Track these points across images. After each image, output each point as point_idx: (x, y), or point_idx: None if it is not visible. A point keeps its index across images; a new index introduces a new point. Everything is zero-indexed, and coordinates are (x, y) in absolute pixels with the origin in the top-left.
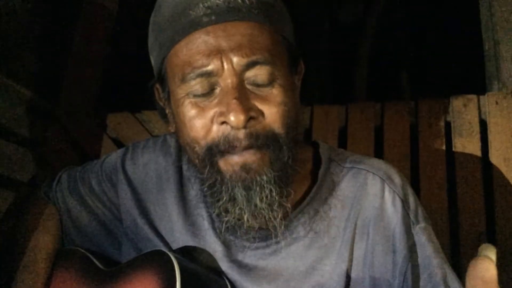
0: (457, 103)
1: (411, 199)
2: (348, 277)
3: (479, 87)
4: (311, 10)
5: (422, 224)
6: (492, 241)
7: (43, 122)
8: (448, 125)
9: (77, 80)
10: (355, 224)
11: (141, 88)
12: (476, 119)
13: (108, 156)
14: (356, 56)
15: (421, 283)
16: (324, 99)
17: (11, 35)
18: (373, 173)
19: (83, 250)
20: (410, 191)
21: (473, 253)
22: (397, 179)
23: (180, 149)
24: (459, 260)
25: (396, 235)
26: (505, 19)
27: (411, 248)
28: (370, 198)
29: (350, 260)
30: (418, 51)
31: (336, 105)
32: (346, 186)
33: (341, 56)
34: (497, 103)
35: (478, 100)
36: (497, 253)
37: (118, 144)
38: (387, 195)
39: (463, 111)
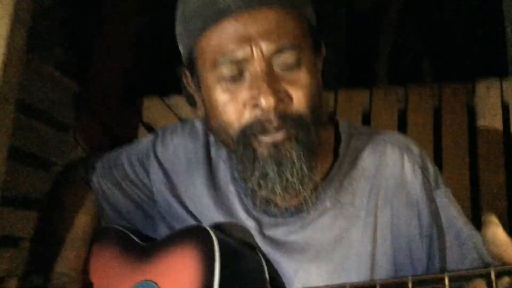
0: (480, 86)
1: (430, 166)
2: (374, 245)
3: (502, 70)
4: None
5: (443, 189)
6: None
7: (76, 107)
8: (471, 108)
9: (106, 66)
10: (378, 194)
11: (168, 71)
12: (499, 103)
13: (139, 142)
14: (377, 40)
15: (448, 243)
16: (348, 82)
17: (46, 26)
18: (392, 144)
19: (120, 228)
20: (428, 159)
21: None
22: (415, 148)
23: (207, 133)
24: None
25: (419, 201)
26: None
27: (435, 211)
28: (391, 167)
29: (375, 229)
30: (440, 35)
31: (360, 89)
32: (367, 157)
33: (362, 40)
34: None
35: (501, 84)
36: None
37: (147, 127)
38: (407, 163)
39: (486, 95)
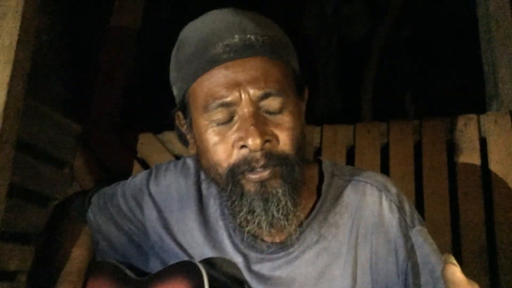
0: (458, 122)
1: (406, 205)
2: (354, 280)
3: (479, 106)
4: (320, 32)
5: (418, 227)
6: (494, 253)
7: (73, 143)
8: (450, 142)
9: (102, 102)
10: (358, 231)
11: (160, 109)
12: (476, 137)
13: (133, 178)
14: (362, 78)
15: (422, 280)
16: (333, 118)
17: (41, 66)
18: (371, 184)
19: (114, 262)
20: (404, 198)
21: (475, 265)
22: (392, 188)
23: (199, 171)
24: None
25: (395, 238)
26: (502, 43)
27: (410, 249)
28: (370, 206)
29: (355, 265)
30: (421, 73)
31: (344, 124)
32: (348, 196)
33: (349, 77)
34: (496, 122)
35: (478, 119)
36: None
37: (141, 162)
38: (385, 203)
39: (464, 130)
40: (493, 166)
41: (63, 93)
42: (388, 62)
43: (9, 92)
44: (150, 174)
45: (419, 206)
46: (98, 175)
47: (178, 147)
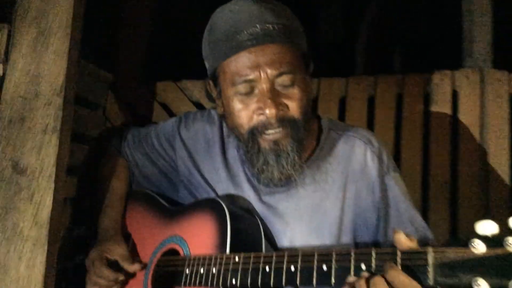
0: (435, 77)
1: (384, 156)
2: (342, 212)
3: (457, 63)
4: None
5: (392, 174)
6: (455, 187)
7: (105, 89)
8: (427, 95)
9: (129, 54)
10: (347, 175)
11: (179, 60)
12: (450, 91)
13: (165, 123)
14: (358, 34)
15: (391, 214)
16: (330, 72)
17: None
18: (359, 138)
19: (149, 191)
20: (384, 150)
21: (440, 196)
22: (375, 142)
23: (221, 122)
24: (427, 201)
25: (374, 182)
26: (479, 7)
27: (384, 191)
28: (357, 156)
29: (344, 200)
30: (410, 31)
31: (338, 77)
32: (340, 148)
33: (345, 32)
34: (467, 77)
35: (453, 75)
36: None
37: (163, 106)
38: (368, 154)
39: (440, 84)
40: (462, 116)
41: (95, 47)
42: (381, 20)
43: (68, 60)
44: (180, 121)
45: (398, 149)
46: (127, 117)
47: (195, 94)
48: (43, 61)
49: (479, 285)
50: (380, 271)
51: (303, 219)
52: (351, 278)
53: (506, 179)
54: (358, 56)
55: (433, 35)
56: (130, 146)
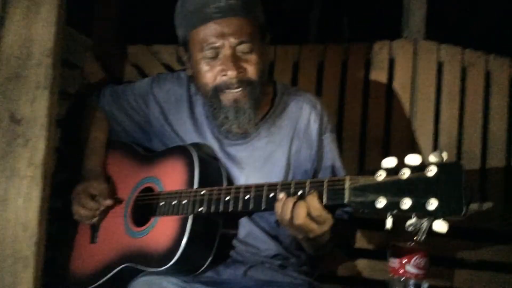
0: (376, 46)
1: (325, 119)
2: (288, 162)
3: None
4: None
5: (328, 134)
6: (388, 142)
7: (83, 52)
8: (368, 61)
9: (104, 19)
10: (294, 132)
11: (150, 24)
12: (387, 58)
13: (140, 82)
14: (311, 6)
15: (322, 166)
16: (285, 39)
17: None
18: (306, 103)
19: (126, 141)
20: (325, 114)
21: (373, 149)
22: (319, 106)
23: (189, 82)
24: (364, 152)
25: (313, 140)
26: None
27: (320, 147)
28: (303, 117)
29: (290, 152)
30: (358, 3)
31: (292, 45)
32: (291, 109)
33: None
34: (402, 47)
35: (390, 44)
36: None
37: (136, 67)
38: (312, 116)
39: (379, 52)
40: (397, 81)
41: (73, 11)
42: None
43: (56, 26)
44: (153, 80)
45: (341, 108)
46: (101, 76)
47: (165, 58)
48: (34, 27)
49: (379, 202)
50: None
51: (256, 166)
52: (281, 195)
53: (430, 134)
54: (311, 25)
55: (378, 6)
56: (108, 102)
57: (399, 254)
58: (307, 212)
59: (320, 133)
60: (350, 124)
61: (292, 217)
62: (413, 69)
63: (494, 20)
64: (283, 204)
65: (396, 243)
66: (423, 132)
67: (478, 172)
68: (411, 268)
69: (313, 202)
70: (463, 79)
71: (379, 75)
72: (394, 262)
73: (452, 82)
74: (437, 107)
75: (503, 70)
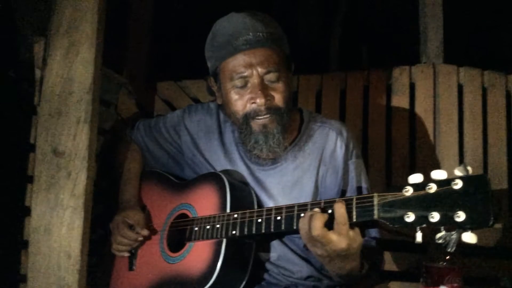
0: (395, 71)
1: (351, 144)
2: (316, 187)
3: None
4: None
5: (354, 159)
6: (413, 162)
7: (117, 90)
8: (389, 86)
9: (135, 58)
10: (321, 158)
11: (179, 62)
12: (407, 83)
13: (171, 114)
14: (331, 36)
15: (347, 193)
16: (308, 69)
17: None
18: (332, 129)
19: (159, 170)
20: (351, 140)
21: (399, 168)
22: (345, 133)
23: (218, 112)
24: (391, 172)
25: (339, 165)
26: (432, 13)
27: (346, 172)
28: (329, 144)
29: (317, 178)
30: (376, 31)
31: (315, 74)
32: (317, 136)
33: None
34: (422, 71)
35: (410, 69)
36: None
37: (166, 103)
38: (338, 142)
39: (399, 77)
40: (418, 104)
41: (108, 53)
42: (351, 23)
43: (95, 65)
44: (184, 112)
45: (365, 132)
46: (135, 112)
47: (192, 92)
48: (74, 66)
49: (408, 216)
50: None
51: (285, 192)
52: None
53: (455, 156)
54: (331, 55)
55: (395, 34)
56: (142, 134)
57: (431, 274)
58: (324, 223)
59: (346, 159)
60: (375, 149)
61: (309, 228)
62: (434, 92)
63: (509, 41)
64: (302, 217)
65: (429, 263)
66: (448, 153)
67: (506, 190)
68: None
69: (339, 209)
70: (484, 100)
71: (400, 99)
72: (427, 282)
73: (473, 103)
74: (461, 129)
75: None
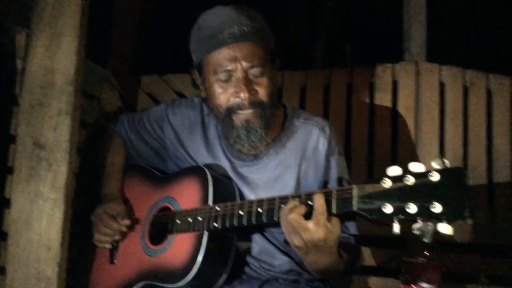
0: (379, 69)
1: (333, 142)
2: (297, 183)
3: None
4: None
5: (336, 156)
6: (394, 158)
7: (100, 82)
8: (372, 84)
9: (119, 51)
10: (303, 154)
11: (163, 55)
12: (390, 81)
13: (155, 108)
14: (316, 33)
15: (329, 186)
16: (293, 65)
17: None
18: (315, 126)
19: (143, 164)
20: (333, 137)
21: (382, 166)
22: (327, 129)
23: (202, 106)
24: (373, 168)
25: (321, 161)
26: (416, 12)
27: (327, 168)
28: (312, 140)
29: (299, 173)
30: (360, 30)
31: (299, 71)
32: (300, 132)
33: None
34: (405, 69)
35: (393, 67)
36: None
37: (150, 96)
38: (321, 139)
39: (382, 75)
40: (401, 102)
41: (91, 44)
42: (336, 21)
43: (77, 57)
44: (168, 106)
45: (348, 129)
46: (118, 106)
47: (177, 86)
48: (57, 58)
49: (386, 207)
50: None
51: (267, 187)
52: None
53: (435, 153)
54: (316, 53)
55: (379, 32)
56: (125, 128)
57: (410, 270)
58: (303, 213)
59: (328, 155)
60: (357, 145)
61: (288, 216)
62: (416, 90)
63: (492, 40)
64: (283, 208)
65: (407, 259)
66: (429, 150)
67: (485, 187)
68: (423, 284)
69: (318, 199)
70: (465, 98)
71: (383, 97)
72: (406, 278)
73: (454, 101)
74: (442, 126)
75: (503, 89)
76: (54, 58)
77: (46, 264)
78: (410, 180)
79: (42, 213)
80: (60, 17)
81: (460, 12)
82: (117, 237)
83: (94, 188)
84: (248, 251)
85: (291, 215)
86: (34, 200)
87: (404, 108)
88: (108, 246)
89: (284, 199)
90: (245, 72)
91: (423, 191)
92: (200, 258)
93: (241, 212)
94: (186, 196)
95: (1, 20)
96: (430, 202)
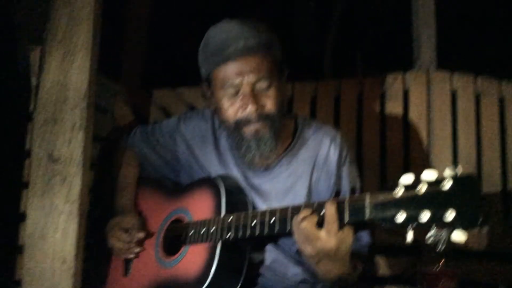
0: (389, 78)
1: (344, 152)
2: (309, 193)
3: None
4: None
5: (347, 165)
6: (406, 168)
7: (113, 96)
8: (383, 93)
9: (131, 66)
10: (314, 164)
11: (175, 69)
12: (401, 89)
13: (167, 121)
14: (325, 44)
15: (342, 194)
16: (303, 76)
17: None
18: (326, 135)
19: (156, 176)
20: (345, 147)
21: (396, 176)
22: (338, 139)
23: (213, 118)
24: (385, 178)
25: (332, 170)
26: (425, 21)
27: (339, 178)
28: (323, 150)
29: (310, 183)
30: (370, 40)
31: (310, 82)
32: (311, 142)
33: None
34: (415, 78)
35: (403, 76)
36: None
37: (162, 110)
38: (332, 148)
39: (393, 84)
40: (412, 111)
41: (105, 61)
42: (345, 31)
43: (90, 72)
44: (180, 119)
45: (359, 139)
46: (131, 119)
47: (189, 99)
48: (70, 74)
49: (399, 216)
50: None
51: (278, 197)
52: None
53: (449, 162)
54: (326, 62)
55: (389, 40)
56: (138, 141)
57: (426, 279)
58: (316, 222)
59: (339, 165)
60: (369, 155)
61: (300, 225)
62: (427, 98)
63: (504, 47)
64: (296, 216)
65: (424, 268)
66: (442, 159)
67: (499, 195)
68: None
69: (330, 208)
70: (477, 106)
71: (394, 106)
72: (421, 287)
73: (467, 109)
74: (454, 135)
75: None
76: (67, 74)
77: (61, 276)
78: (423, 188)
79: (57, 226)
80: (73, 35)
81: (470, 18)
82: (131, 250)
83: (109, 200)
84: (261, 261)
85: (303, 223)
86: (48, 214)
87: (416, 116)
88: (129, 256)
89: (296, 209)
90: (252, 86)
91: (436, 199)
92: (213, 268)
93: (254, 222)
94: (199, 207)
95: (16, 38)
96: (443, 210)
